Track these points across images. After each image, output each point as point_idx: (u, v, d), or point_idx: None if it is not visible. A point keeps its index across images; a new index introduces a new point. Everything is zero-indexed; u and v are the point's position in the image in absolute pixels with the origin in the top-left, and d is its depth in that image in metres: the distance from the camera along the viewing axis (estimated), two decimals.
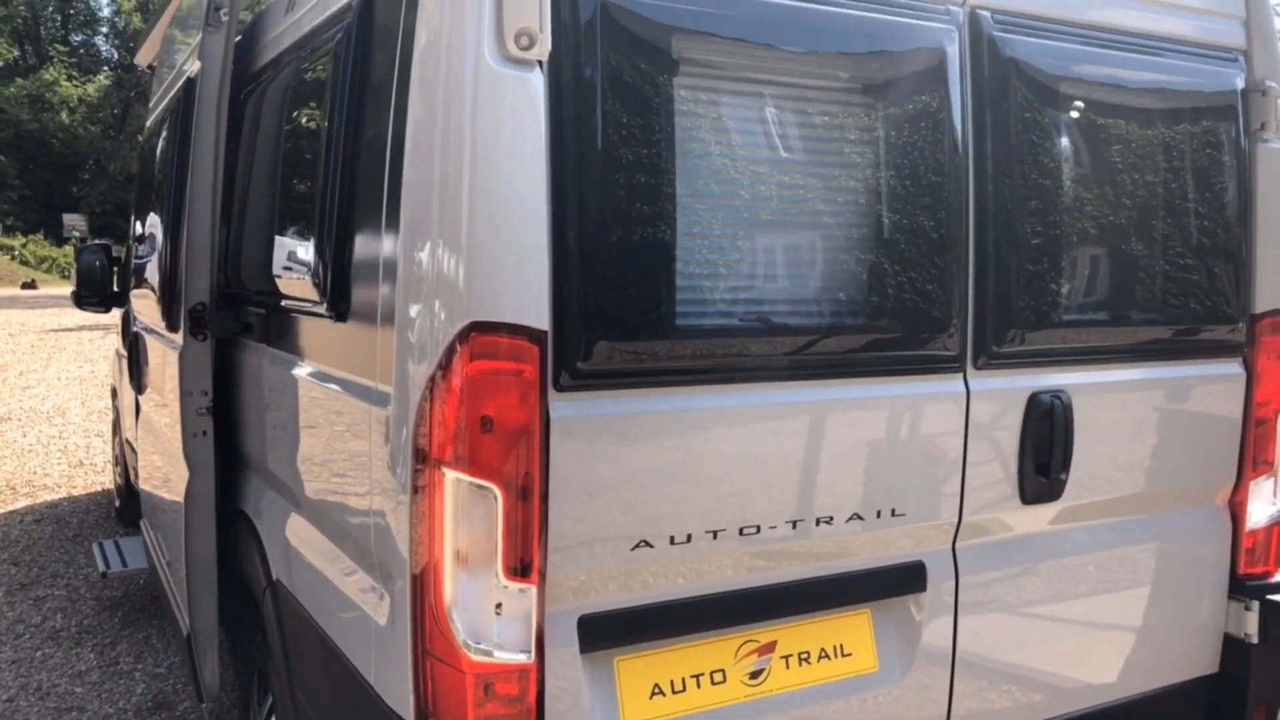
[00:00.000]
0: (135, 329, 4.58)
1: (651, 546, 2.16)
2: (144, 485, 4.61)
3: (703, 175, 2.12)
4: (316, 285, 2.50)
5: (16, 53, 41.97)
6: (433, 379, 1.96)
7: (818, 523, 2.33)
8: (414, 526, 2.01)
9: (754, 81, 2.20)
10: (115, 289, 6.95)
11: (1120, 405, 2.73)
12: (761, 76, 2.21)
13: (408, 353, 2.03)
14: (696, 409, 2.17)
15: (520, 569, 1.98)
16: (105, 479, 8.56)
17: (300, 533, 2.75)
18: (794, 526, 2.30)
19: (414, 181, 2.02)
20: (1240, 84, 2.86)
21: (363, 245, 2.31)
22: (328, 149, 2.46)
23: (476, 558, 1.97)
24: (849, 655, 2.45)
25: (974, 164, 2.46)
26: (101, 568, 5.46)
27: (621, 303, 2.05)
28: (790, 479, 2.28)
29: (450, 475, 1.95)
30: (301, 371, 2.70)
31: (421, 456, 1.99)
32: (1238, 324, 2.88)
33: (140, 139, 6.24)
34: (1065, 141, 2.60)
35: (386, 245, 2.15)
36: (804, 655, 2.39)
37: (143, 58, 6.01)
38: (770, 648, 2.36)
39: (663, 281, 2.09)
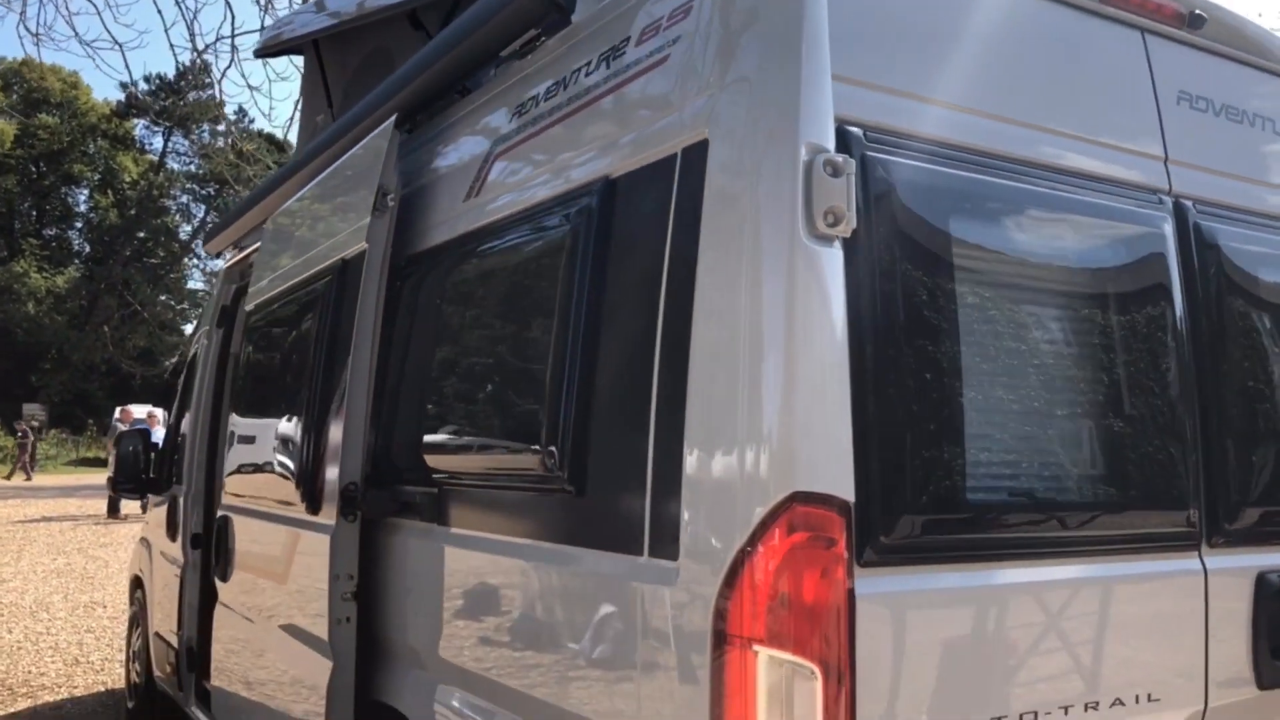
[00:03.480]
0: (223, 512, 4.43)
1: None
2: (225, 683, 4.34)
3: (988, 353, 2.15)
4: (547, 459, 2.44)
5: None
6: (743, 552, 1.89)
7: (1085, 709, 2.25)
8: (714, 714, 1.90)
9: (1016, 263, 2.27)
10: (152, 475, 6.79)
11: None
12: (1023, 259, 2.28)
13: (706, 526, 1.97)
14: (988, 585, 2.12)
15: None
16: (106, 678, 8.08)
17: None
18: (1065, 712, 2.21)
19: (709, 350, 2.02)
20: None
21: (617, 414, 2.28)
22: (563, 324, 2.46)
23: None
24: None
25: (1192, 346, 2.53)
26: None
27: (921, 476, 2.03)
28: (1064, 660, 2.21)
29: (764, 654, 1.86)
30: (514, 551, 2.59)
31: (723, 637, 1.90)
32: None
33: (205, 328, 6.21)
34: (1268, 321, 2.68)
35: (659, 413, 2.12)
36: None
37: (214, 246, 6.06)
38: None
39: (960, 456, 2.08)
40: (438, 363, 3.16)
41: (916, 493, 2.03)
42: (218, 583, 4.49)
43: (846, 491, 1.91)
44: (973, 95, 2.30)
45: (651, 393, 2.16)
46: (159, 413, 23.74)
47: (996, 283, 2.24)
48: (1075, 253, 2.38)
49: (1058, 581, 2.22)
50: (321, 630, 3.19)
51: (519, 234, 2.81)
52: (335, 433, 3.28)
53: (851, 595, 1.92)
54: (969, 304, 2.16)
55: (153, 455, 6.81)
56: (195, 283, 47.96)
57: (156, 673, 6.39)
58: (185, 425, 6.24)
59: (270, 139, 33.55)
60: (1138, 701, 2.32)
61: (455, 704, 2.82)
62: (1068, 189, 2.38)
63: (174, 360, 44.94)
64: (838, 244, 1.98)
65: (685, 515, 2.02)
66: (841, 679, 1.88)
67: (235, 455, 4.38)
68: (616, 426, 2.29)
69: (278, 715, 3.62)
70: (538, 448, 2.51)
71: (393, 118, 3.35)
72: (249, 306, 4.59)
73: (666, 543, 2.06)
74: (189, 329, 46.75)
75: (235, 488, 4.34)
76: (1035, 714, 2.14)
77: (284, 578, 3.61)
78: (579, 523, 2.37)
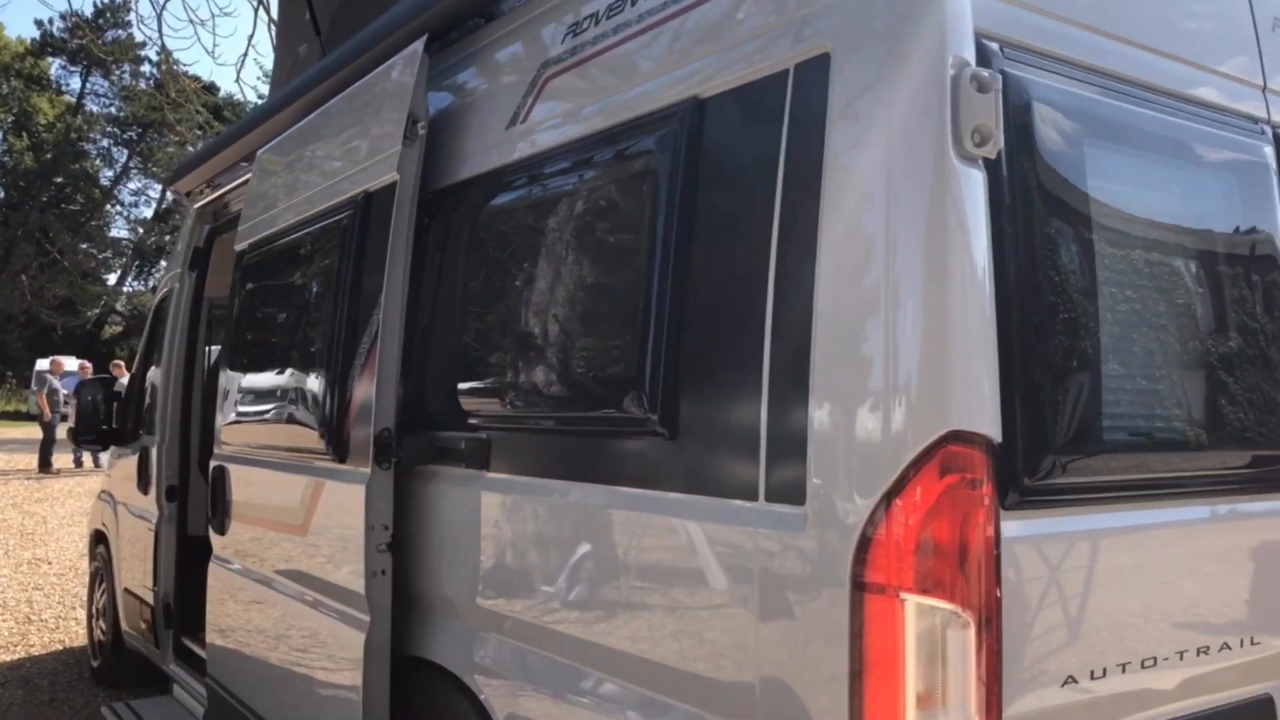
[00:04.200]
0: (218, 463, 4.20)
1: (1076, 682, 1.97)
2: (226, 641, 4.14)
3: (1120, 286, 2.05)
4: (633, 402, 2.29)
5: None
6: (889, 496, 1.78)
7: (1198, 653, 2.18)
8: (854, 668, 1.79)
9: (1142, 191, 2.17)
10: (114, 426, 6.48)
11: None
12: (1147, 187, 2.18)
13: (842, 469, 1.85)
14: (1133, 526, 2.04)
15: (987, 708, 1.77)
16: (63, 636, 7.78)
17: (572, 687, 2.44)
18: (1180, 657, 2.15)
19: (840, 284, 1.88)
20: None
21: (720, 354, 2.13)
22: (649, 257, 2.30)
23: (941, 698, 1.76)
24: None
25: None
26: None
27: (1062, 415, 1.93)
28: (1209, 598, 2.15)
29: (913, 602, 1.75)
30: (587, 497, 2.44)
31: (864, 585, 1.79)
32: None
33: (175, 271, 5.87)
34: None
35: (775, 351, 1.98)
36: None
37: (184, 185, 5.73)
38: None
39: (1099, 394, 1.98)
40: (484, 302, 2.98)
41: (1058, 432, 1.93)
42: (213, 535, 4.26)
43: (994, 431, 1.80)
44: (1095, 14, 2.17)
45: (765, 330, 2.02)
46: (88, 365, 23.01)
47: (1126, 212, 2.14)
48: (1192, 183, 2.29)
49: (1201, 520, 2.16)
50: (355, 583, 3.02)
51: (581, 163, 2.63)
52: (366, 378, 3.08)
53: (998, 538, 1.82)
54: (1103, 235, 2.05)
55: (114, 405, 6.51)
56: (119, 230, 46.35)
57: (127, 630, 6.13)
58: (154, 374, 5.95)
59: (198, 79, 32.28)
60: (1241, 646, 2.27)
61: (505, 655, 2.68)
62: (1186, 117, 2.28)
63: (97, 311, 43.58)
64: (981, 166, 1.86)
65: (814, 459, 1.89)
66: (990, 624, 1.78)
67: (234, 403, 4.14)
68: (720, 366, 2.14)
69: (300, 674, 3.44)
70: (620, 390, 2.36)
71: (423, 38, 3.13)
72: (242, 246, 4.32)
73: (788, 487, 1.94)
74: (113, 279, 45.28)
75: (235, 437, 4.11)
76: (1181, 654, 2.08)
77: (303, 529, 3.42)
78: (672, 467, 2.23)
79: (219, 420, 4.28)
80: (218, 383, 5.86)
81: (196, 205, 5.64)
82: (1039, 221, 1.95)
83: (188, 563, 5.52)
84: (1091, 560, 1.99)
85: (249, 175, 4.78)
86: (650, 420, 2.25)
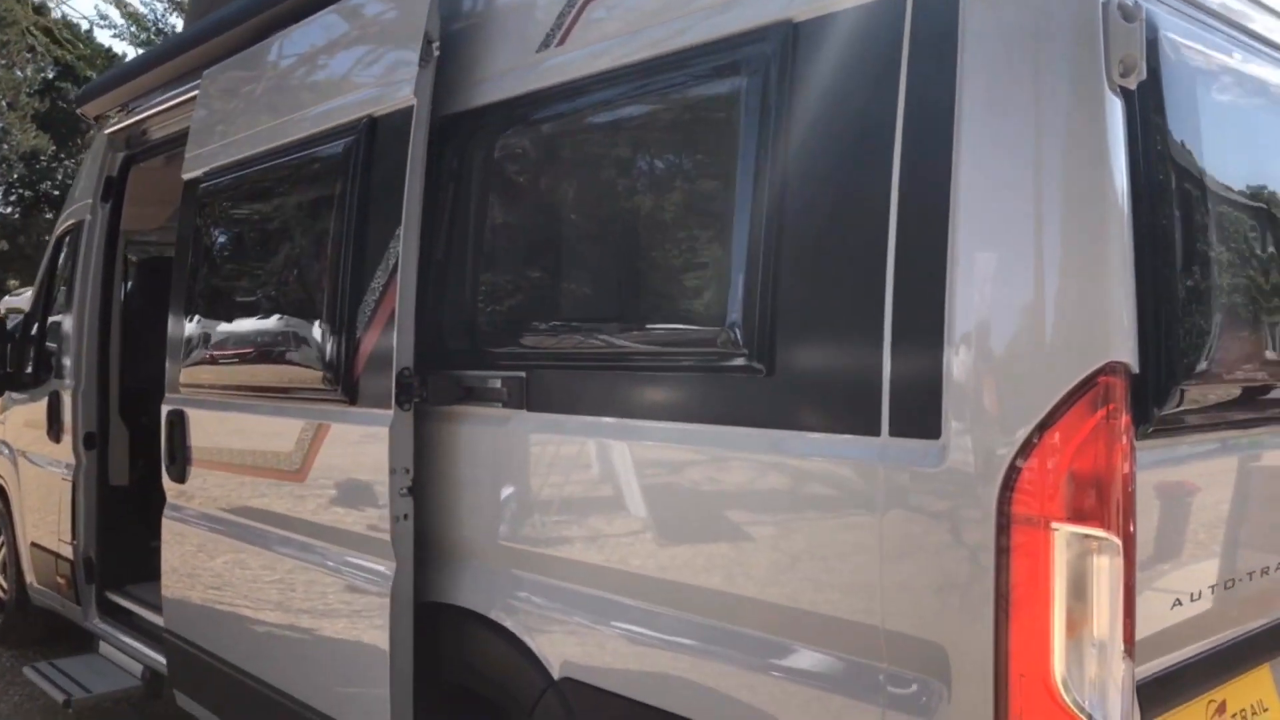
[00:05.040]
0: (175, 407, 3.93)
1: (1180, 604, 2.04)
2: (195, 596, 3.91)
3: (1239, 222, 2.10)
4: (723, 335, 2.23)
5: None
6: (1040, 426, 1.78)
7: (1264, 573, 2.29)
8: (999, 601, 1.80)
9: (1258, 129, 2.23)
10: (8, 369, 6.02)
11: None
12: (1261, 125, 2.24)
13: (986, 401, 1.84)
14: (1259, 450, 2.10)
15: (1125, 633, 1.81)
16: None
17: (657, 629, 2.39)
18: (1251, 578, 2.25)
19: (980, 211, 1.86)
20: None
21: (831, 283, 2.09)
22: (744, 181, 2.22)
23: (1088, 625, 1.78)
24: (1267, 710, 2.40)
25: None
26: (60, 696, 4.60)
27: (1191, 345, 1.97)
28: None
29: (1064, 532, 1.77)
30: (671, 437, 2.37)
31: (1010, 516, 1.80)
32: None
33: (84, 203, 5.42)
34: None
35: (899, 281, 1.95)
36: (1242, 713, 2.32)
37: (94, 109, 5.27)
38: (1223, 708, 2.28)
39: (1238, 321, 2.03)
40: (522, 233, 2.83)
41: (1189, 361, 1.97)
42: (168, 484, 4.01)
43: (1135, 362, 1.82)
44: None
45: (886, 257, 1.97)
46: None
47: (1246, 148, 2.19)
48: None
49: None
50: (375, 530, 2.89)
51: (643, 89, 2.51)
52: (381, 315, 2.92)
53: (1134, 466, 1.85)
54: (1228, 170, 2.09)
55: (7, 348, 6.03)
56: None
57: (36, 586, 5.75)
58: (62, 314, 5.52)
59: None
60: None
61: (557, 599, 2.61)
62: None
63: None
64: (1121, 95, 1.85)
65: (952, 392, 1.87)
66: (1129, 551, 1.82)
67: (198, 344, 3.86)
68: (832, 295, 2.09)
69: (304, 625, 3.28)
70: (708, 324, 2.29)
71: None
72: (193, 174, 4.01)
73: (919, 420, 1.92)
74: None
75: (200, 379, 3.84)
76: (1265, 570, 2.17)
77: (300, 475, 3.23)
78: (770, 402, 2.17)
79: (172, 363, 3.99)
80: (133, 323, 5.58)
81: (108, 130, 5.21)
82: (1165, 156, 1.97)
83: (110, 515, 5.23)
84: (1225, 484, 2.05)
85: (180, 99, 4.44)
86: (745, 354, 2.19)
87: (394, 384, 2.83)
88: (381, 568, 2.88)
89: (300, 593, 3.26)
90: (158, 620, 4.72)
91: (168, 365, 4.08)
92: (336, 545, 3.08)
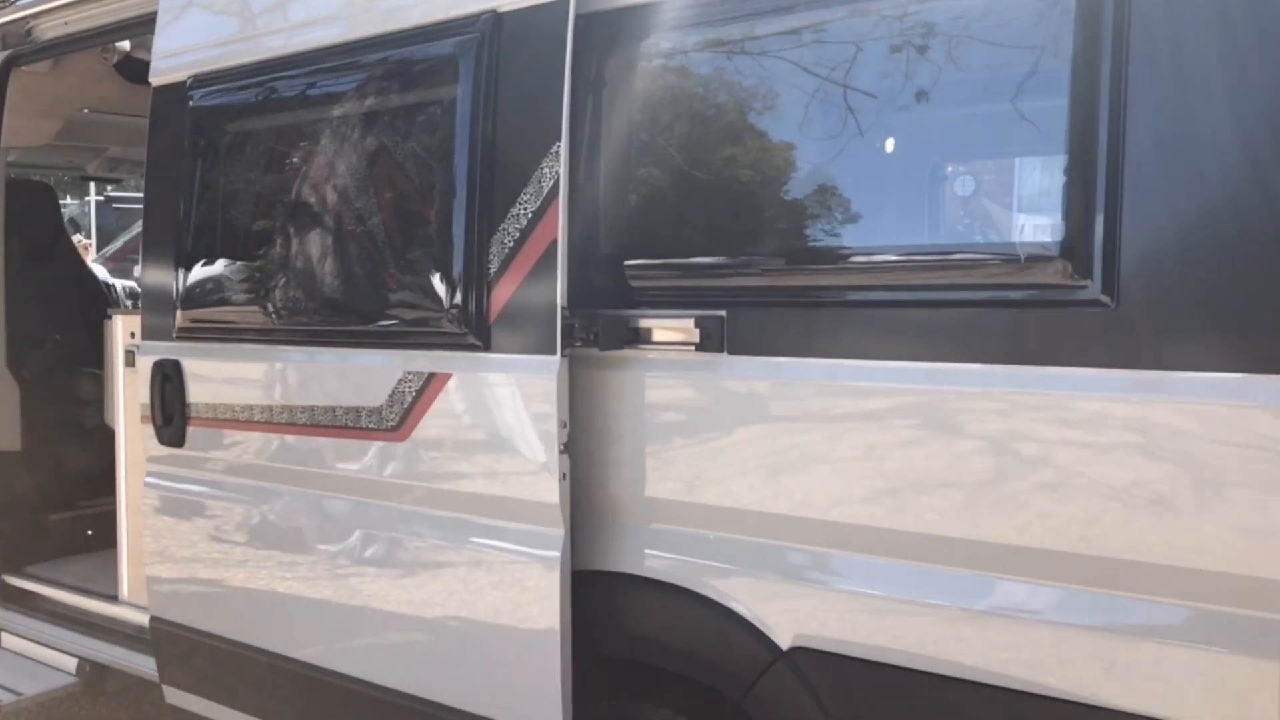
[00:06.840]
0: (170, 356, 3.33)
1: None
2: (196, 574, 3.35)
3: None
4: (1064, 266, 2.00)
5: None
6: None
7: None
8: None
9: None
10: None
11: None
12: None
13: None
14: None
15: None
16: None
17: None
18: None
19: None
20: None
21: (1190, 208, 1.89)
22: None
23: None
24: None
25: None
26: None
27: None
28: None
29: None
30: (966, 381, 2.13)
31: None
32: None
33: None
34: None
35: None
36: None
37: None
38: None
39: None
40: (727, 146, 2.46)
41: None
42: (154, 449, 3.41)
43: None
44: None
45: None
46: None
47: None
48: None
49: None
50: (534, 493, 2.52)
51: None
52: (529, 248, 2.52)
53: None
54: None
55: None
56: None
57: None
58: None
59: None
60: None
61: (789, 562, 2.35)
62: None
63: None
64: None
65: None
66: None
67: (216, 281, 3.26)
68: (1193, 217, 1.91)
69: (426, 609, 2.80)
70: (1029, 251, 2.08)
71: None
72: (172, 79, 3.37)
73: None
74: None
75: (214, 318, 3.26)
76: None
77: (401, 434, 2.78)
78: (1114, 341, 1.96)
79: (154, 309, 3.40)
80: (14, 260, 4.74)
81: None
82: None
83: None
84: None
85: None
86: (1085, 287, 1.99)
87: (558, 327, 2.46)
88: (538, 534, 2.52)
89: (409, 570, 2.83)
90: (84, 605, 4.21)
91: (144, 311, 3.48)
92: (468, 513, 2.68)
